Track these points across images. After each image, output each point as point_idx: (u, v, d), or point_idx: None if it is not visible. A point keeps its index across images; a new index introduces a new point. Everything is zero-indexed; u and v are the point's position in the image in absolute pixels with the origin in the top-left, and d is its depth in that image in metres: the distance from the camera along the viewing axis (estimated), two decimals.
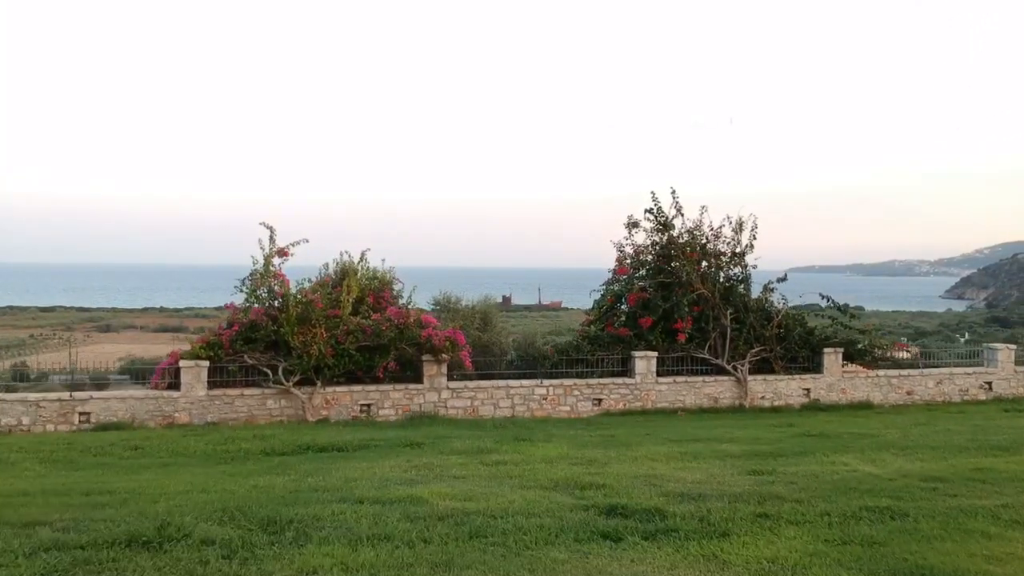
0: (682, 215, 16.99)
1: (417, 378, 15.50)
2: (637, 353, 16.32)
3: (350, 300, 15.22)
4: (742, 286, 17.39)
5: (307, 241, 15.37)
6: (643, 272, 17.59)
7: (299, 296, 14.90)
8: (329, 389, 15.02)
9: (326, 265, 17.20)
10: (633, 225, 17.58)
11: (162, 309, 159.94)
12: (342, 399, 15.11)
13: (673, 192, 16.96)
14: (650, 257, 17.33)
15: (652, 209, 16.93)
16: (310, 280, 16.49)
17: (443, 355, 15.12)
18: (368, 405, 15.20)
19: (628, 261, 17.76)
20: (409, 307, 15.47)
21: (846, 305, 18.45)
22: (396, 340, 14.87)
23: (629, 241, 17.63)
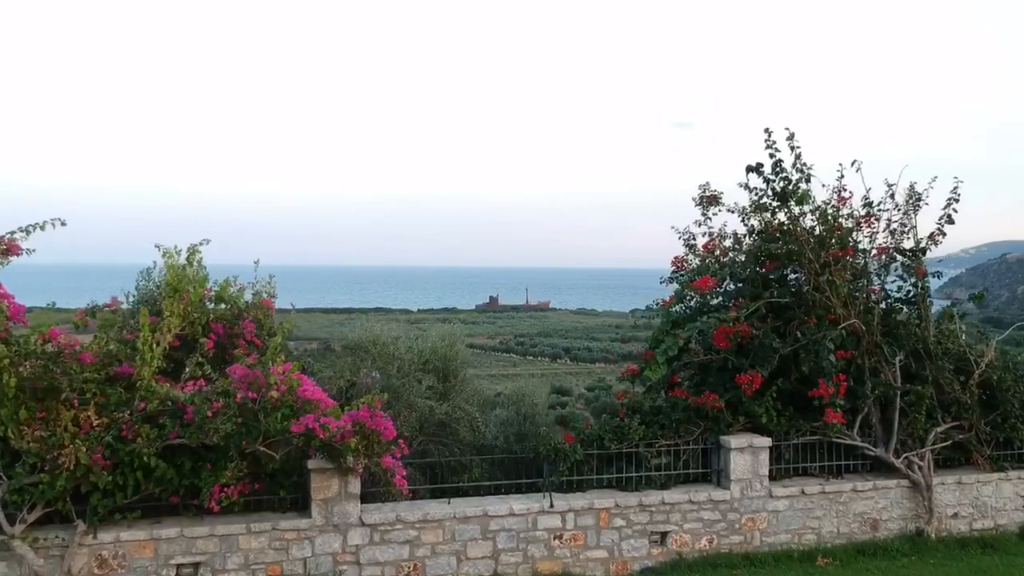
0: (808, 178, 8.75)
1: (300, 504, 7.37)
2: (733, 441, 8.19)
3: (159, 346, 7.02)
4: (915, 312, 9.29)
5: (62, 223, 7.11)
6: (730, 285, 9.47)
7: (33, 343, 6.69)
8: (108, 536, 6.79)
9: (146, 272, 8.98)
10: (710, 201, 9.45)
11: None
12: (138, 554, 6.87)
13: (791, 138, 8.74)
14: (743, 256, 9.19)
15: (759, 167, 8.66)
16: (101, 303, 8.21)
17: (349, 461, 6.95)
18: (195, 566, 7.01)
19: (702, 262, 9.62)
20: (279, 355, 7.11)
21: None
22: (242, 436, 6.69)
23: (704, 228, 9.54)
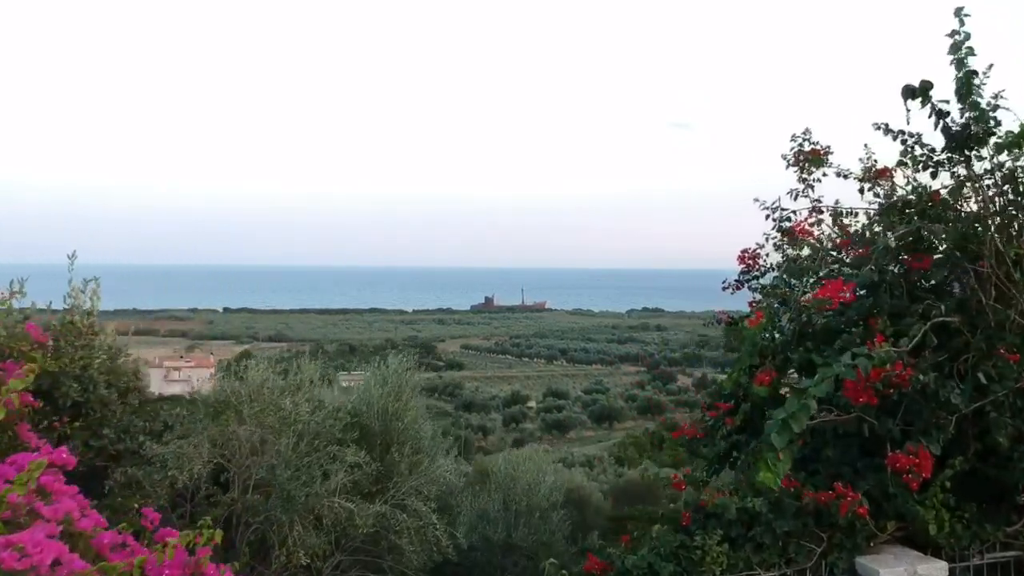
0: (994, 115, 5.07)
1: None
2: (884, 570, 4.59)
3: None
4: None
5: None
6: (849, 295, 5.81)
7: None
8: None
9: None
10: (810, 159, 5.88)
11: (135, 311, 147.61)
12: None
13: (955, 56, 5.04)
14: (882, 248, 5.52)
15: (926, 89, 4.91)
16: None
17: None
18: None
19: (787, 259, 6.01)
20: None
21: None
22: None
23: (806, 200, 5.93)
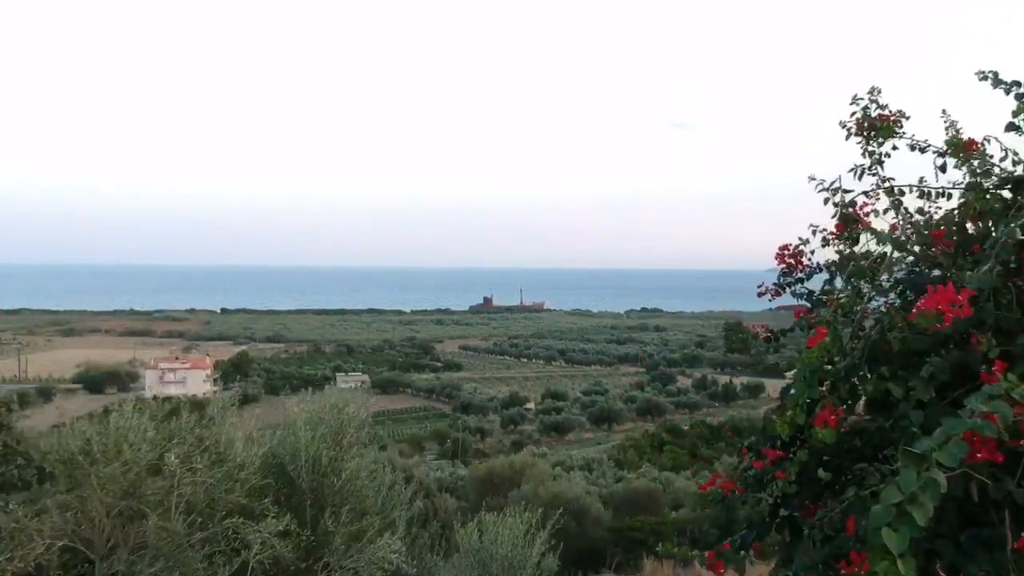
0: None
1: None
2: None
3: None
4: None
5: None
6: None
7: None
8: None
9: None
10: (877, 127, 4.45)
11: (132, 311, 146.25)
12: None
13: None
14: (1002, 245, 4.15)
15: None
16: None
17: None
18: None
19: (847, 257, 4.60)
20: None
21: None
22: None
23: (873, 175, 4.53)
